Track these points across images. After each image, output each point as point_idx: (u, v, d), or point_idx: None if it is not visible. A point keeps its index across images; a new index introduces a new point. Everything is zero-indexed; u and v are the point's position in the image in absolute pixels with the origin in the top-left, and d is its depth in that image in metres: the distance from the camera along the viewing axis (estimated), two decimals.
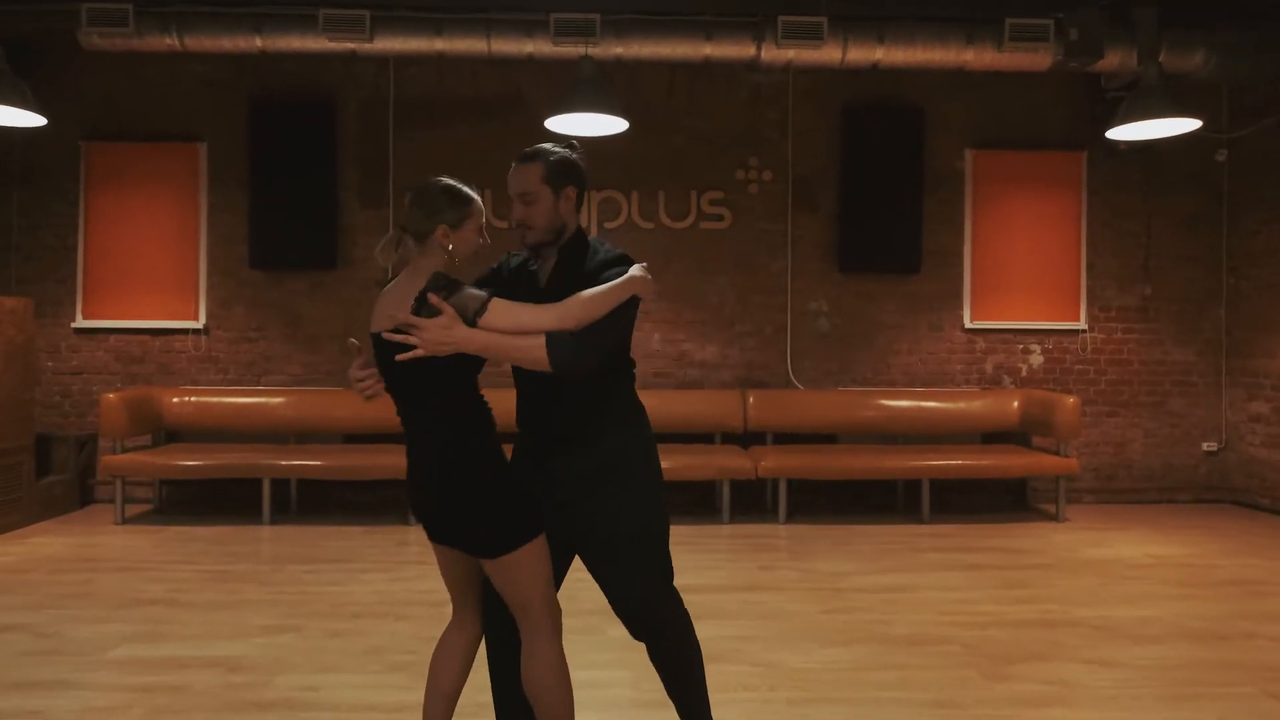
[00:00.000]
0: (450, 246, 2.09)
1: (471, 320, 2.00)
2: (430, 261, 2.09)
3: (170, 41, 5.48)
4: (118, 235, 6.27)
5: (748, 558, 4.82)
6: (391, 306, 2.04)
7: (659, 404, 6.05)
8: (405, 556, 4.81)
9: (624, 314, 2.10)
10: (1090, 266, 6.55)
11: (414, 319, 1.97)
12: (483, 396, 2.13)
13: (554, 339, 1.99)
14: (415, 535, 5.27)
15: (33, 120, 4.94)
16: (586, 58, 5.00)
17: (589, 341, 2.01)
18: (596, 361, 2.04)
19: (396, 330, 1.99)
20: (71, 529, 5.42)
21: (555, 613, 2.14)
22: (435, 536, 2.11)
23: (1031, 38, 5.56)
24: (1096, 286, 6.56)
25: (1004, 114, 6.52)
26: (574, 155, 2.23)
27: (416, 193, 2.12)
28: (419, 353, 1.96)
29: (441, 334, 1.96)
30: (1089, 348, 6.55)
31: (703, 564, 4.64)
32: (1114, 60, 5.71)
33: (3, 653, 3.26)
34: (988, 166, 6.52)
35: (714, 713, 2.36)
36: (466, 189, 2.14)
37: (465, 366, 2.04)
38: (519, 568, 2.04)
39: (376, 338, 2.08)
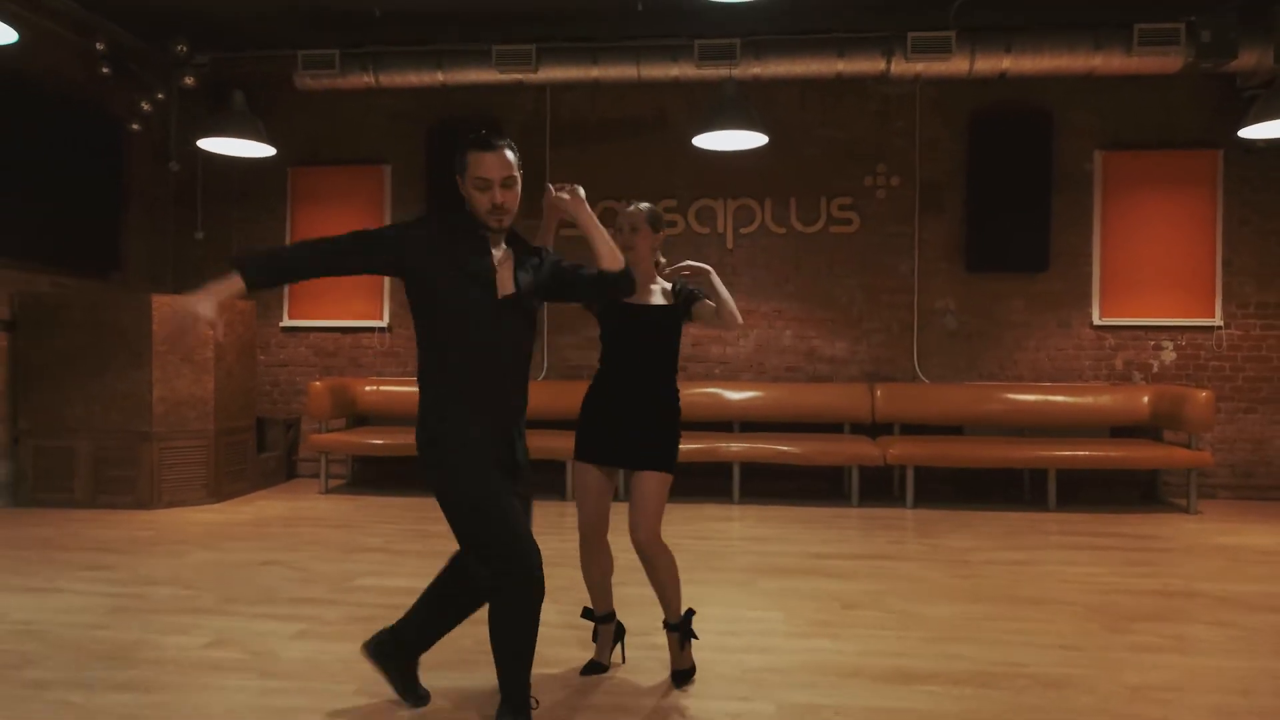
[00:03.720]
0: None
1: None
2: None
3: (368, 79, 6.40)
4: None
5: (878, 534, 5.22)
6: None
7: (791, 396, 6.57)
8: (560, 523, 5.47)
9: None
10: (1227, 263, 6.57)
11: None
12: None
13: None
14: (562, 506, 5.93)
15: (264, 151, 5.92)
16: (730, 79, 5.55)
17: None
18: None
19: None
20: (286, 496, 6.38)
21: None
22: (616, 460, 2.85)
23: (1161, 41, 5.73)
24: (1234, 283, 6.57)
25: (1134, 115, 6.64)
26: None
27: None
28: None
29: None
30: (1225, 344, 6.57)
31: (834, 538, 5.08)
32: (1249, 60, 5.79)
33: (275, 578, 4.09)
34: (1117, 167, 6.66)
35: (854, 645, 2.82)
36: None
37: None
38: (669, 485, 2.84)
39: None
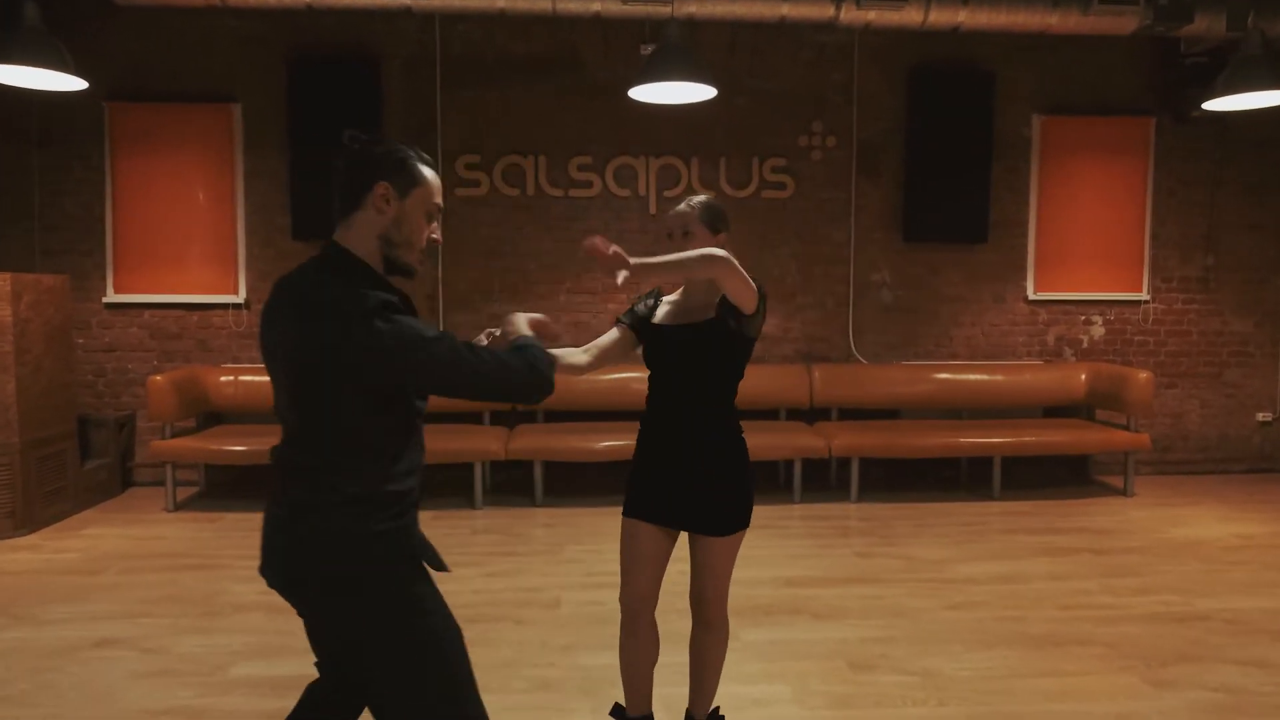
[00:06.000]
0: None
1: None
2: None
3: None
4: (148, 203, 5.89)
5: (837, 542, 4.73)
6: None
7: None
8: (487, 546, 4.65)
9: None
10: (1154, 236, 6.44)
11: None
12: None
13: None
14: (485, 523, 5.11)
15: (71, 83, 4.55)
16: (673, 20, 4.69)
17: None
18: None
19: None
20: (122, 517, 5.18)
21: None
22: (675, 520, 2.28)
23: (1121, 0, 5.33)
24: (1160, 256, 6.46)
25: (1073, 79, 6.31)
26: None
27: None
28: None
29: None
30: (1150, 319, 6.48)
31: (794, 551, 4.54)
32: (1201, 25, 5.50)
33: (113, 675, 3.06)
34: (1055, 133, 6.33)
35: None
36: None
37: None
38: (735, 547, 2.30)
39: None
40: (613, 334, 2.44)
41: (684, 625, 2.49)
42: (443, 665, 1.69)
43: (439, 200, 1.76)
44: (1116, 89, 6.34)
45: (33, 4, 4.36)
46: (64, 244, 5.89)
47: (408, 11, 5.47)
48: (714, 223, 2.29)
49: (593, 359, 2.39)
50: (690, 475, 2.25)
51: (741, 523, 2.29)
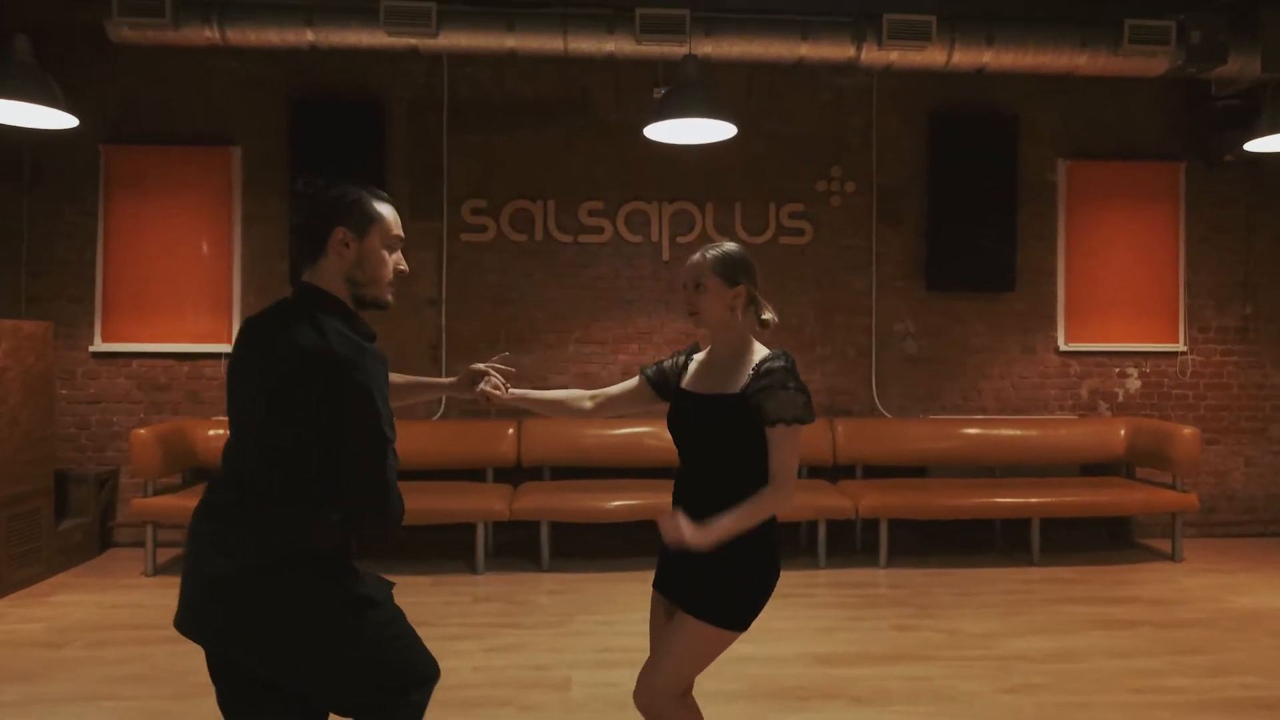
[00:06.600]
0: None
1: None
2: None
3: (210, 34, 4.90)
4: (141, 248, 5.65)
5: (870, 613, 4.34)
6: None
7: None
8: (489, 616, 4.27)
9: None
10: (1188, 284, 6.17)
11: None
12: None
13: None
14: (487, 589, 4.74)
15: (62, 121, 4.34)
16: (690, 56, 4.49)
17: None
18: None
19: None
20: (97, 582, 4.81)
21: None
22: (669, 589, 2.06)
23: (1152, 40, 5.14)
24: (1195, 305, 6.18)
25: (1097, 122, 6.11)
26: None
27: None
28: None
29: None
30: (1189, 371, 6.17)
31: (823, 622, 4.16)
32: (1234, 66, 5.31)
33: None
34: (1081, 178, 6.11)
35: None
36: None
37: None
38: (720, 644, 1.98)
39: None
40: (630, 384, 2.25)
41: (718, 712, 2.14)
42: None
43: (398, 232, 1.80)
44: (1142, 133, 6.14)
45: (24, 38, 4.18)
46: (52, 290, 5.64)
47: (415, 53, 5.31)
48: (730, 274, 2.04)
49: (597, 406, 2.24)
50: (698, 553, 1.92)
51: (726, 616, 1.95)
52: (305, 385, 1.57)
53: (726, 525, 1.87)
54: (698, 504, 1.94)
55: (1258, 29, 5.18)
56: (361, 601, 1.69)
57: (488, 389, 2.19)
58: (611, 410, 2.25)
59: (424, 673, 1.78)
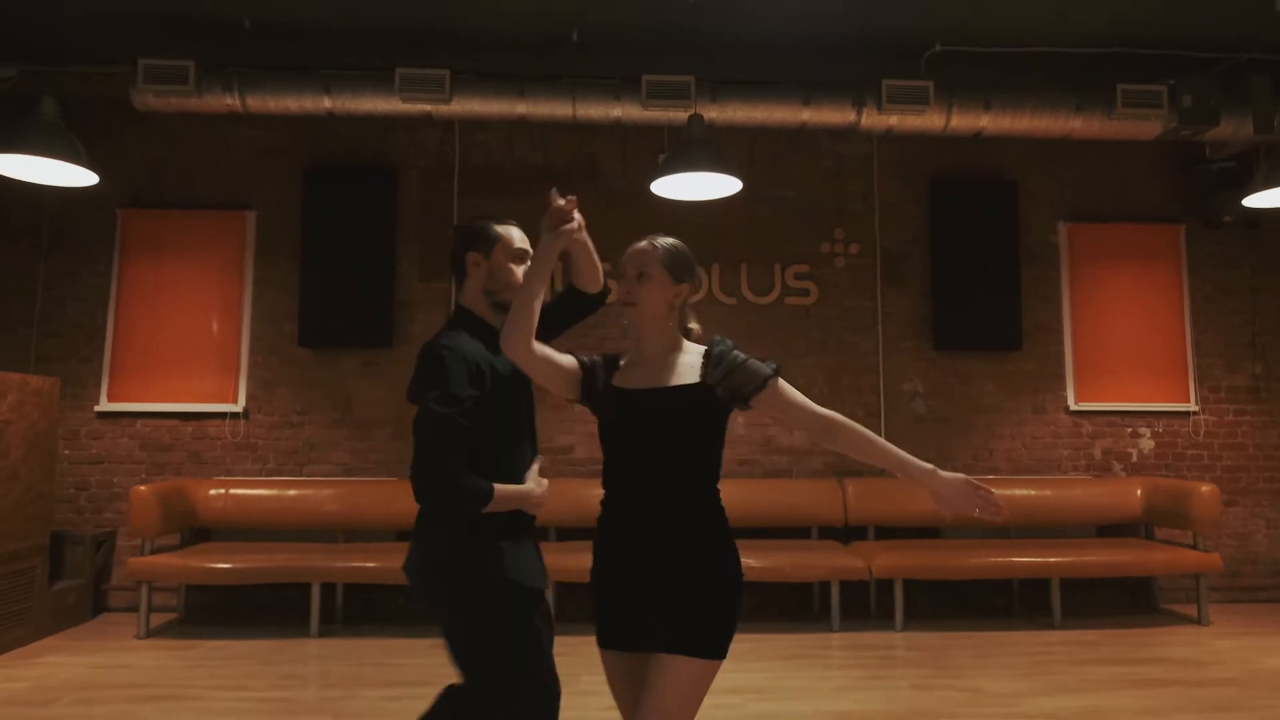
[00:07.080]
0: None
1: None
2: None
3: (231, 101, 5.07)
4: (152, 309, 5.71)
5: (888, 673, 4.17)
6: None
7: (746, 494, 5.50)
8: None
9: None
10: (1196, 345, 6.15)
11: None
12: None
13: None
14: None
15: (84, 178, 4.45)
16: (695, 116, 4.63)
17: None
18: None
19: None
20: (87, 644, 4.67)
21: None
22: (642, 641, 1.87)
23: (1145, 104, 5.28)
24: (1204, 365, 6.15)
25: (1095, 186, 6.22)
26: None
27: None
28: None
29: None
30: (1202, 431, 6.09)
31: (839, 682, 3.99)
32: (1227, 129, 5.44)
33: None
34: (1083, 239, 6.18)
35: None
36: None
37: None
38: (711, 679, 1.83)
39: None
40: (567, 360, 2.02)
41: None
42: None
43: (521, 245, 2.17)
44: (1140, 196, 6.24)
45: (51, 100, 4.33)
46: (62, 351, 5.67)
47: (428, 119, 5.46)
48: (677, 270, 1.97)
49: (537, 351, 1.97)
50: (660, 581, 1.83)
51: (717, 647, 1.82)
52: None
53: (907, 459, 1.98)
54: (649, 521, 1.85)
55: (1249, 93, 5.33)
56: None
57: (568, 218, 1.98)
58: (540, 361, 1.97)
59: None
